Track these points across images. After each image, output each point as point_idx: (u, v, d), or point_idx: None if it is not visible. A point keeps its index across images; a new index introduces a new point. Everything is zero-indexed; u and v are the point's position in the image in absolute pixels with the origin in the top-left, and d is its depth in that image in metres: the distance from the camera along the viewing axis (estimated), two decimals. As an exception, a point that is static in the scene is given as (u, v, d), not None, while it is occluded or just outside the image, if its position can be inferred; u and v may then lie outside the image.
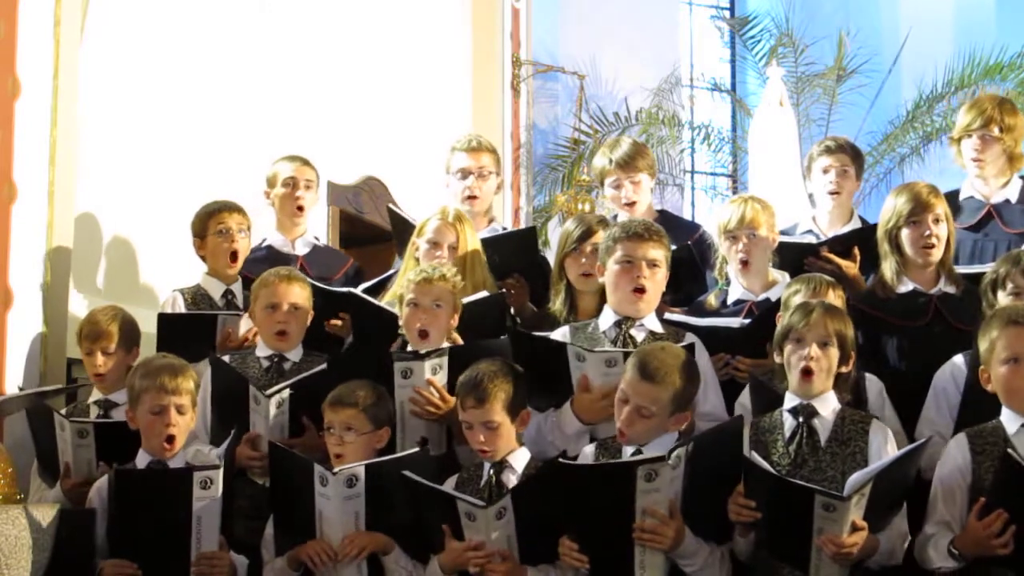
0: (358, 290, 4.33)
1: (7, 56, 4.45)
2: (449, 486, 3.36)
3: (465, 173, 4.74)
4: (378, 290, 4.34)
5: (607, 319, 3.78)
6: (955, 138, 4.55)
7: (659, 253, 3.75)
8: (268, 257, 4.79)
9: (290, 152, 5.06)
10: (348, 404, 3.49)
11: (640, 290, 3.71)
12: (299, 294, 4.05)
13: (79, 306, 4.82)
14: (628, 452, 3.28)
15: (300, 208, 4.87)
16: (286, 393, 3.79)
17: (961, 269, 4.10)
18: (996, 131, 4.39)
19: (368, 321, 4.08)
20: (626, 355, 3.43)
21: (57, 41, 4.66)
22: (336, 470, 3.31)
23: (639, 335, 3.71)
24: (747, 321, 3.93)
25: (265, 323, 4.04)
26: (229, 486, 3.43)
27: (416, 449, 3.43)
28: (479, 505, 3.16)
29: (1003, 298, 3.64)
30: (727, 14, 11.60)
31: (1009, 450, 3.01)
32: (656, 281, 3.75)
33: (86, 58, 4.94)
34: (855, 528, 2.99)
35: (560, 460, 3.18)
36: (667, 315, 4.01)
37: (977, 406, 3.34)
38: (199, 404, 3.96)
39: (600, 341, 3.73)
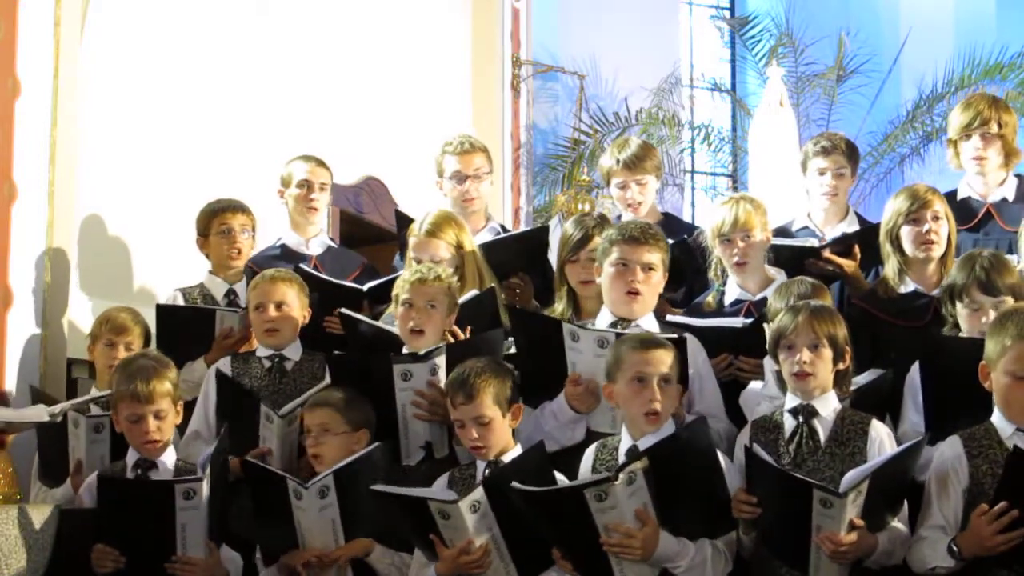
0: (364, 288, 4.33)
1: (7, 56, 4.45)
2: (440, 485, 3.35)
3: (461, 177, 4.75)
4: (385, 289, 4.33)
5: (604, 319, 3.78)
6: (952, 139, 4.54)
7: (655, 257, 3.73)
8: (282, 256, 4.80)
9: (289, 152, 5.06)
10: (323, 404, 3.57)
11: (634, 292, 3.71)
12: (284, 292, 4.06)
13: (79, 306, 4.82)
14: (623, 449, 3.28)
15: (314, 210, 4.87)
16: (297, 411, 3.80)
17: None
18: (995, 128, 4.40)
19: (365, 334, 4.08)
20: (619, 336, 3.46)
21: (57, 41, 4.66)
22: (308, 484, 3.34)
23: None
24: (749, 320, 3.93)
25: (256, 323, 4.10)
26: (224, 489, 3.46)
27: (375, 445, 3.46)
28: (449, 501, 3.13)
29: (961, 310, 3.58)
30: (727, 14, 11.57)
31: (1019, 444, 2.97)
32: (652, 284, 3.74)
33: (86, 58, 4.94)
34: (852, 527, 2.98)
35: (515, 485, 3.11)
36: (668, 317, 4.00)
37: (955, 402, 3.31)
38: (200, 405, 3.97)
39: None
